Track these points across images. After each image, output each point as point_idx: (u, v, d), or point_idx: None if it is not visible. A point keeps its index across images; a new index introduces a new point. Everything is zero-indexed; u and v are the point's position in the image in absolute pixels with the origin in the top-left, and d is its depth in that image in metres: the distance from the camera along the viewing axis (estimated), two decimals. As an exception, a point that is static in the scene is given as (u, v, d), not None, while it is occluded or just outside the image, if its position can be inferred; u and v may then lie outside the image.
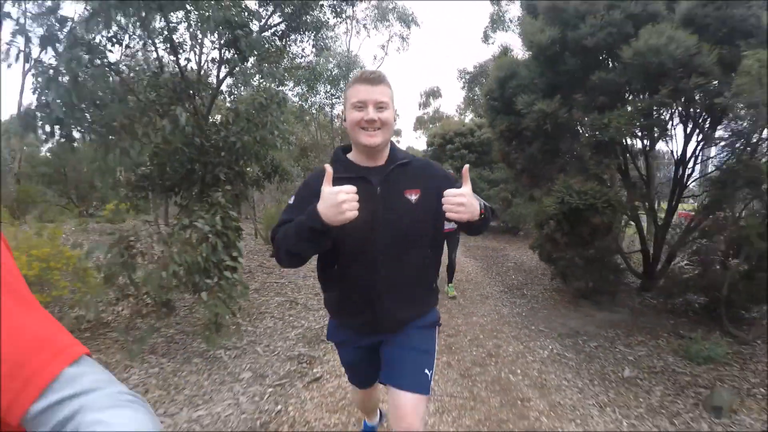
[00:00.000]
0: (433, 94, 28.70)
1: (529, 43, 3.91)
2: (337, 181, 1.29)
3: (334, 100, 12.11)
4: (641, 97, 3.25)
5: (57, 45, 3.37)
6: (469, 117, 22.85)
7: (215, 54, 5.78)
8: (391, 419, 1.53)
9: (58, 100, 2.89)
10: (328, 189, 1.23)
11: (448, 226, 2.74)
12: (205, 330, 3.51)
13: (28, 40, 3.72)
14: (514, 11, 16.20)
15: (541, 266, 6.89)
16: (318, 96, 11.10)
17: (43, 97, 3.03)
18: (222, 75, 5.34)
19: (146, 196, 5.75)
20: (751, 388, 3.33)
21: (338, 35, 9.03)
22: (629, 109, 3.20)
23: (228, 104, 6.23)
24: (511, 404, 2.96)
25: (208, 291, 3.22)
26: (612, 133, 3.21)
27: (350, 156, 1.51)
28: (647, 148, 4.13)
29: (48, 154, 15.48)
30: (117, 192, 5.82)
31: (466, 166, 1.36)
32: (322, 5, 7.20)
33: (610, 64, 3.43)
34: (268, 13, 6.66)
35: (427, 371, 1.52)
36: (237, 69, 5.50)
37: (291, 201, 1.51)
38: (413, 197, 1.43)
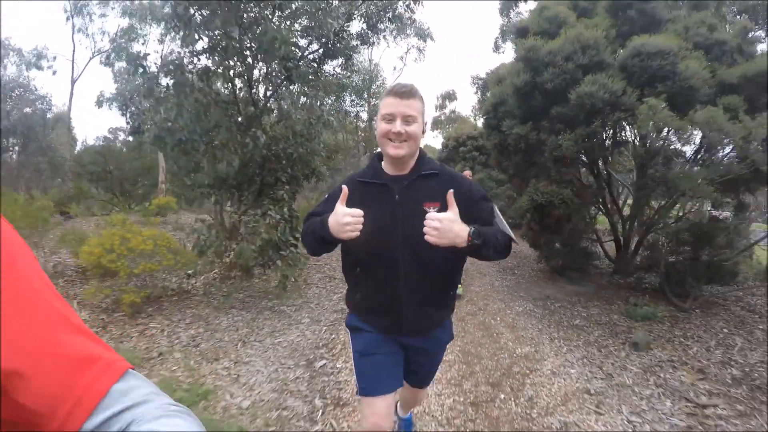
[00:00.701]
0: (449, 96, 29.94)
1: (511, 84, 5.23)
2: (364, 185, 1.50)
3: (358, 108, 13.53)
4: (583, 126, 4.50)
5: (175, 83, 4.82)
6: (481, 120, 23.92)
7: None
8: (402, 390, 1.89)
9: (183, 124, 4.33)
10: (340, 209, 1.35)
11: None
12: (277, 289, 4.95)
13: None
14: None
15: (533, 253, 8.20)
16: (344, 104, 12.53)
17: (169, 123, 4.47)
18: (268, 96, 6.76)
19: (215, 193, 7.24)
20: (672, 337, 4.59)
21: (361, 48, 10.30)
22: (574, 134, 4.47)
23: (275, 120, 7.68)
24: (489, 336, 4.31)
25: (281, 260, 4.64)
26: (564, 151, 4.48)
27: (382, 162, 1.58)
28: (596, 162, 5.40)
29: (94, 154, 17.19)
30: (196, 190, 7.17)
31: (450, 191, 1.36)
32: (352, 34, 8.57)
33: (565, 102, 4.69)
34: (308, 42, 8.08)
35: (433, 374, 1.90)
36: (285, 91, 6.94)
37: (326, 197, 1.61)
38: (431, 210, 1.41)
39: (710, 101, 4.74)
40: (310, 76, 7.17)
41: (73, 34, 19.50)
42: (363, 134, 15.42)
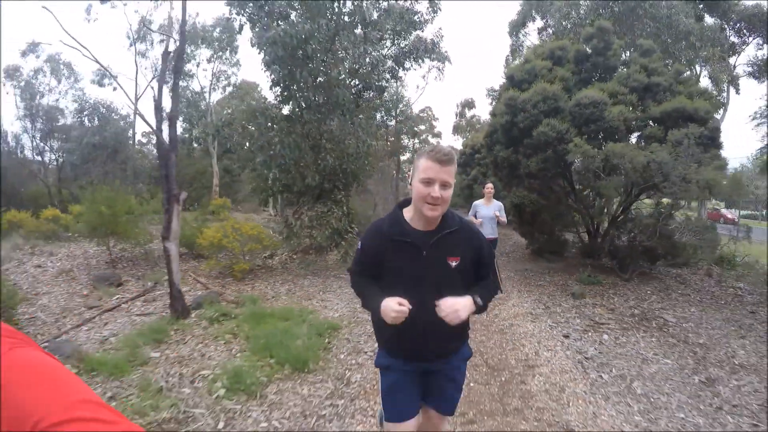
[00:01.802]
0: (468, 105, 32.10)
1: (497, 122, 7.44)
2: (392, 242, 1.67)
3: (387, 122, 15.82)
4: (541, 153, 6.64)
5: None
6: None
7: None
8: (422, 423, 1.95)
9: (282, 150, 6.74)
10: (392, 302, 1.53)
11: (493, 234, 5.52)
12: (338, 263, 7.32)
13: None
14: (532, 39, 19.33)
15: (523, 241, 10.38)
16: (375, 121, 14.87)
17: (271, 152, 6.89)
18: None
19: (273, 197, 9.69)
20: (605, 293, 6.71)
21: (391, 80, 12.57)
22: (537, 158, 6.65)
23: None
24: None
25: (344, 241, 7.01)
26: (531, 169, 6.67)
27: (407, 214, 1.73)
28: (554, 176, 7.50)
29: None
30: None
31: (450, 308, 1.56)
32: (384, 72, 10.89)
33: (531, 136, 6.83)
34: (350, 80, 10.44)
35: (457, 399, 1.91)
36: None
37: (359, 248, 1.81)
38: (453, 263, 1.65)
39: (640, 130, 6.92)
40: (353, 105, 9.54)
41: (135, 57, 22.54)
42: (388, 143, 17.77)
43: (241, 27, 7.35)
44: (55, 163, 18.62)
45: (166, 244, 4.91)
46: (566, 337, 4.71)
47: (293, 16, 7.13)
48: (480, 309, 1.67)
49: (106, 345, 4.48)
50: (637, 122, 6.72)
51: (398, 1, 10.06)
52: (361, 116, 9.33)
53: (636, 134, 7.24)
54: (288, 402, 3.24)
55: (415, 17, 11.34)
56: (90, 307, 5.97)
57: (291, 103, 6.95)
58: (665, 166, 5.20)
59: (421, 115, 33.82)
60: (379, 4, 9.48)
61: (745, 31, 16.60)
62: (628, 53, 10.32)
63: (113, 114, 16.60)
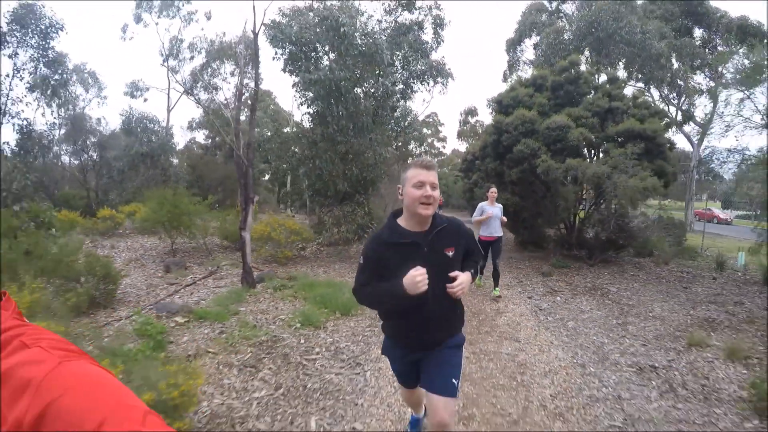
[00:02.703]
0: (471, 112, 34.02)
1: (487, 139, 9.28)
2: (394, 246, 1.89)
3: (396, 133, 17.75)
4: (520, 166, 8.46)
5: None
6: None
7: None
8: (428, 414, 2.08)
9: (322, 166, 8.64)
10: (411, 273, 1.74)
11: (497, 233, 6.50)
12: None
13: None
14: (528, 55, 21.15)
15: (512, 236, 12.22)
16: (387, 134, 16.83)
17: (310, 164, 8.77)
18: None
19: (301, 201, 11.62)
20: (571, 275, 8.52)
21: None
22: (516, 169, 8.48)
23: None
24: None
25: (366, 234, 8.87)
26: (512, 177, 8.50)
27: (401, 222, 1.96)
28: (531, 183, 9.35)
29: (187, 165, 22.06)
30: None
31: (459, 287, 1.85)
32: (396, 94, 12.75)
33: (512, 152, 8.67)
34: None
35: (454, 380, 1.99)
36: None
37: (361, 262, 1.99)
38: (450, 253, 1.93)
39: (599, 147, 8.74)
40: (371, 125, 11.42)
41: (168, 72, 24.61)
42: (397, 150, 19.73)
43: (287, 71, 9.23)
44: (91, 167, 20.60)
45: (243, 233, 6.79)
46: (529, 297, 6.55)
47: (325, 60, 9.03)
48: (472, 279, 2.02)
49: (201, 305, 6.32)
50: (597, 141, 8.54)
51: (408, 36, 11.89)
52: (376, 133, 11.21)
53: (600, 149, 9.08)
54: (342, 330, 5.09)
55: (423, 46, 13.22)
56: (171, 284, 7.78)
57: (327, 127, 8.82)
58: (604, 177, 7.03)
59: (427, 120, 35.75)
60: (396, 39, 11.34)
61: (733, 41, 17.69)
62: (604, 76, 12.19)
63: (156, 125, 18.66)
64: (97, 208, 14.34)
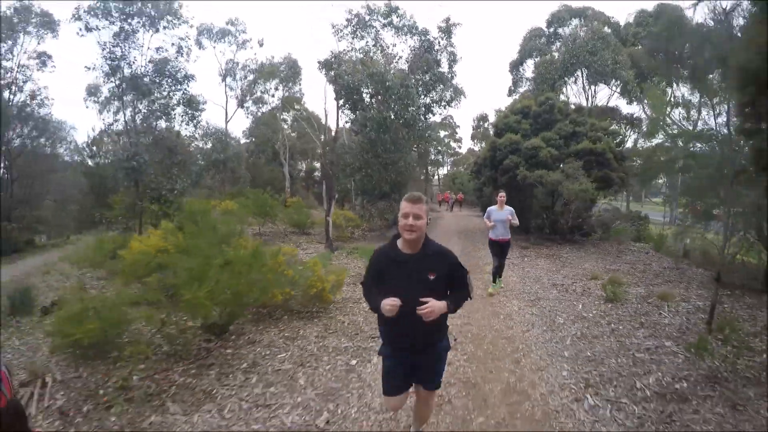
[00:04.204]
0: (482, 118, 37.63)
1: (486, 155, 13.00)
2: (390, 259, 2.34)
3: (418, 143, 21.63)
4: (507, 174, 12.13)
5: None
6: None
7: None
8: (415, 402, 2.83)
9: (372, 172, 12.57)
10: (387, 300, 2.17)
11: (506, 236, 7.01)
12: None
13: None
14: (528, 73, 24.61)
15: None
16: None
17: (363, 172, 12.68)
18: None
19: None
20: (545, 250, 12.27)
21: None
22: (506, 176, 12.16)
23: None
24: (467, 254, 12.24)
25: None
26: (502, 183, 12.23)
27: (399, 243, 2.36)
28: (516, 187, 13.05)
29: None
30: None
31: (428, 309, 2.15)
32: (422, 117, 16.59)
33: (502, 165, 12.33)
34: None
35: (440, 380, 2.59)
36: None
37: (368, 266, 2.47)
38: (431, 277, 2.27)
39: (563, 160, 12.48)
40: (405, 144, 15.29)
41: (225, 89, 28.85)
42: (418, 156, 23.57)
43: (342, 107, 13.13)
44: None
45: (327, 218, 10.77)
46: (508, 258, 10.34)
47: (367, 97, 12.96)
48: (452, 311, 2.31)
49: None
50: (562, 156, 12.26)
51: (426, 76, 15.64)
52: (407, 147, 15.07)
53: (563, 163, 12.79)
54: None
55: (441, 77, 16.96)
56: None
57: (376, 149, 12.71)
58: (557, 183, 10.75)
59: (444, 122, 39.30)
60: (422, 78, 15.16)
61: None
62: (584, 100, 15.83)
63: (228, 138, 23.11)
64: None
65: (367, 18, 14.99)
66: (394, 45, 15.54)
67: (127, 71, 12.72)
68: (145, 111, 13.49)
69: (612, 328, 5.50)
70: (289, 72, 27.89)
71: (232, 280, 4.38)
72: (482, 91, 76.16)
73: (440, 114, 17.03)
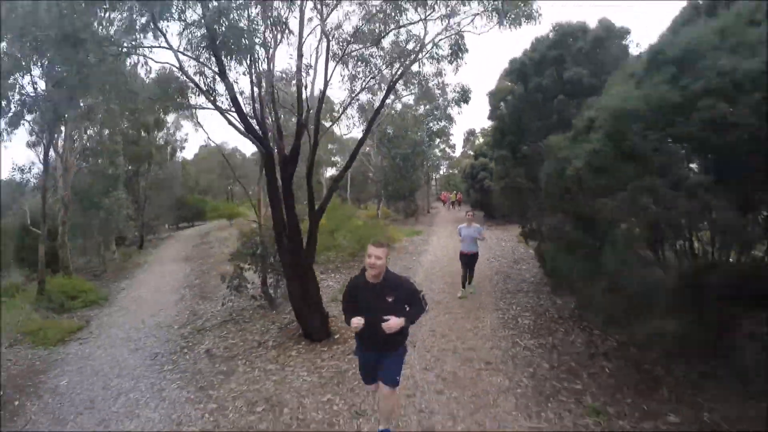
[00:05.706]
0: (471, 133, 44.92)
1: (466, 172, 20.87)
2: (360, 286, 3.09)
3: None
4: (480, 184, 19.81)
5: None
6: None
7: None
8: (379, 400, 3.39)
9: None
10: (354, 319, 2.90)
11: (472, 249, 7.51)
12: (414, 222, 21.16)
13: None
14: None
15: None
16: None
17: (394, 184, 20.47)
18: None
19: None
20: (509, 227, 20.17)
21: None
22: (477, 186, 19.85)
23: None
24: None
25: (416, 214, 20.76)
26: (478, 189, 20.00)
27: (367, 275, 3.02)
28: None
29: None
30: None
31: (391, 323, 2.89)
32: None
33: (477, 178, 20.03)
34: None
35: (396, 377, 3.15)
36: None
37: (345, 290, 3.25)
38: (390, 299, 2.95)
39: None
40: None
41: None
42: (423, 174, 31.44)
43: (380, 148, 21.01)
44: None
45: (378, 211, 18.61)
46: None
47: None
48: (411, 323, 3.03)
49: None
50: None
51: (428, 121, 23.36)
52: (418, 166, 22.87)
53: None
54: (425, 236, 16.92)
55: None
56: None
57: (402, 171, 20.39)
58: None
59: (438, 130, 46.13)
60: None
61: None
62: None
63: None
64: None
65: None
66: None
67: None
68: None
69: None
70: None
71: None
72: (476, 95, 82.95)
73: (441, 144, 24.80)
